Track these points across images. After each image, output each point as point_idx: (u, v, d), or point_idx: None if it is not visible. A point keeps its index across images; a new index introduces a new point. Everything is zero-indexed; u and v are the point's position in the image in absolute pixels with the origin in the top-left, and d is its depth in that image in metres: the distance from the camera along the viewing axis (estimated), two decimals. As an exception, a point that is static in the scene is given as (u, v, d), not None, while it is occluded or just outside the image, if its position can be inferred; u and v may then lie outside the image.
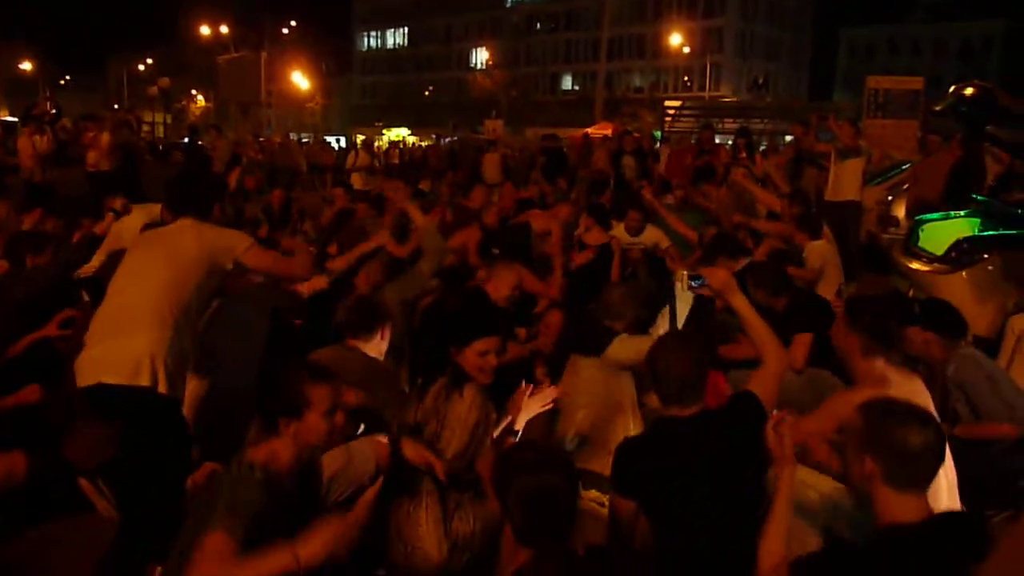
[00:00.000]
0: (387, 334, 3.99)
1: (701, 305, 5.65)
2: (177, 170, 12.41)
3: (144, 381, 3.05)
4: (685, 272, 3.33)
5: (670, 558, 2.74)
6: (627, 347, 4.30)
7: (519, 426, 3.46)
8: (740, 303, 3.07)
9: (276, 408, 2.57)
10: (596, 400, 4.39)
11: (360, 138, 25.31)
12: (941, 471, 2.93)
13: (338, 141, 43.34)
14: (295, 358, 3.12)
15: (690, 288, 3.27)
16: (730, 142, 13.34)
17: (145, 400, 3.07)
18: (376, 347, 3.92)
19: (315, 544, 2.25)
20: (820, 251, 6.31)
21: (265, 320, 4.54)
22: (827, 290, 6.02)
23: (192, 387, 4.21)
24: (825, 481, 3.27)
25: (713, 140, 12.59)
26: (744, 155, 10.79)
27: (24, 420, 4.01)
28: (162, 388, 3.09)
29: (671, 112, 24.55)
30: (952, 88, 9.00)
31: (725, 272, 3.18)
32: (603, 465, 3.99)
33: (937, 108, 9.68)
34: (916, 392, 3.20)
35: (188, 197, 3.55)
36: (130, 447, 3.26)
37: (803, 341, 4.62)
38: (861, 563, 2.16)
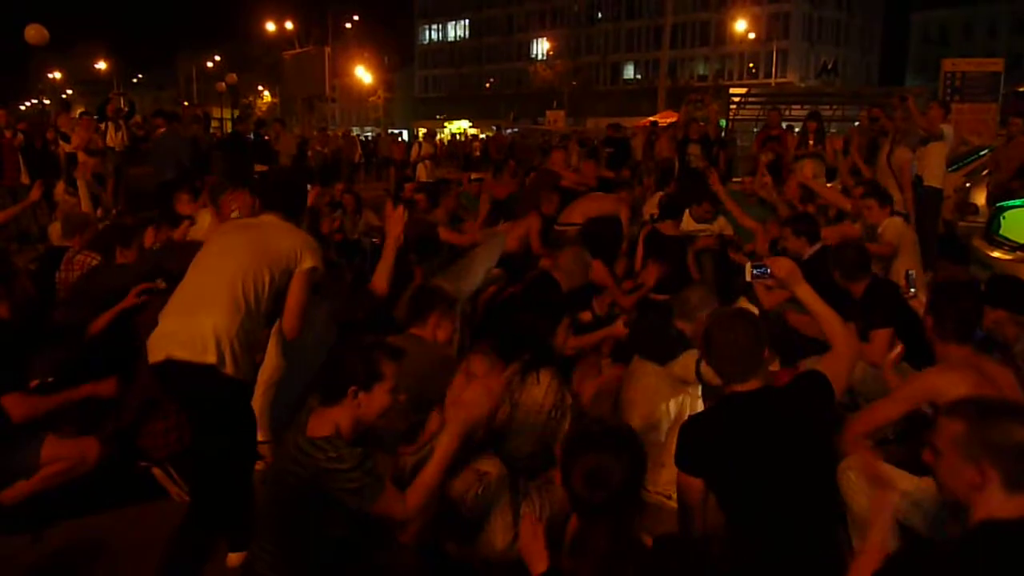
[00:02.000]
0: (441, 319, 3.91)
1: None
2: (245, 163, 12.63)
3: (211, 359, 3.08)
4: (748, 262, 3.24)
5: (740, 536, 2.66)
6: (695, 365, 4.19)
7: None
8: (805, 293, 2.96)
9: (350, 377, 2.66)
10: (654, 411, 4.23)
11: (422, 131, 25.43)
12: None
13: (400, 135, 43.72)
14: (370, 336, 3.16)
15: (753, 277, 3.17)
16: (796, 129, 12.94)
17: (212, 378, 3.10)
18: (431, 332, 3.88)
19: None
20: (897, 226, 6.01)
21: (334, 328, 4.54)
22: (903, 269, 5.73)
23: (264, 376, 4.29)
24: (905, 479, 3.16)
25: (779, 122, 12.27)
26: (813, 141, 10.49)
27: (100, 408, 4.11)
28: (229, 369, 3.12)
29: (736, 100, 24.06)
30: (1040, 67, 8.61)
31: (789, 261, 3.07)
32: (653, 479, 3.91)
33: (1022, 89, 9.26)
34: (1008, 382, 3.09)
35: (282, 196, 3.62)
36: (197, 426, 3.32)
37: (881, 336, 4.42)
38: (953, 558, 2.02)
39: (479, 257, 4.96)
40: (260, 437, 4.10)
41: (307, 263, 3.37)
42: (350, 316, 4.60)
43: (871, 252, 5.79)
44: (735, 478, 2.64)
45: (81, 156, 11.81)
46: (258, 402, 4.12)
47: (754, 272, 3.10)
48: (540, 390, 3.11)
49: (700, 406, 4.23)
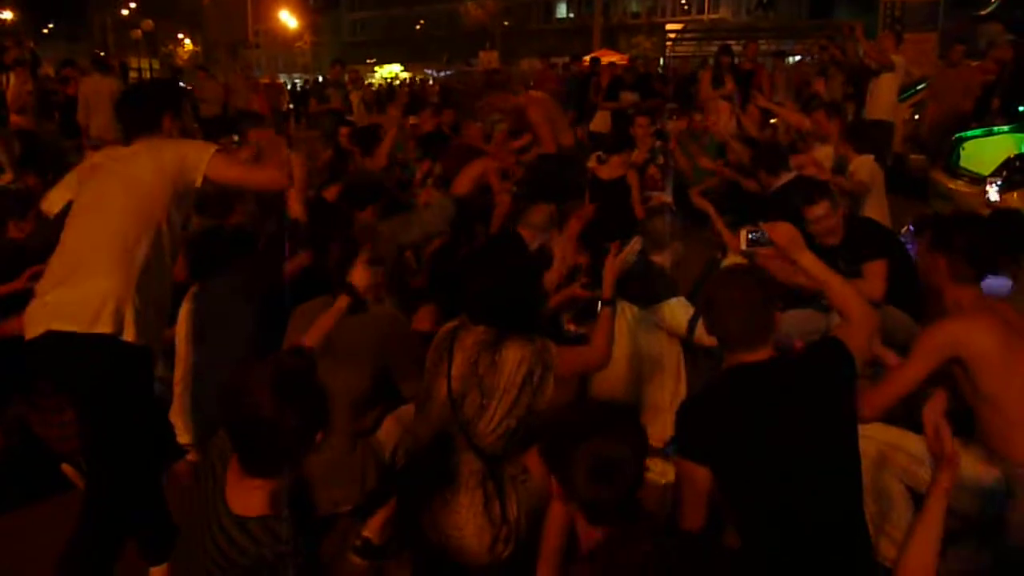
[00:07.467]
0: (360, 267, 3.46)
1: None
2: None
3: (105, 328, 2.60)
4: (743, 228, 2.82)
5: (753, 530, 2.31)
6: (686, 314, 3.88)
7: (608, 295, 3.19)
8: (810, 261, 2.59)
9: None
10: (634, 354, 3.96)
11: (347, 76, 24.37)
12: None
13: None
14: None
15: (747, 245, 2.76)
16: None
17: (105, 350, 2.62)
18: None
19: None
20: (869, 166, 5.78)
21: (250, 305, 3.91)
22: (873, 212, 5.53)
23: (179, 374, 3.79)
24: (913, 440, 2.91)
25: (756, 55, 11.95)
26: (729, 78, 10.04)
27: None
28: (129, 336, 2.64)
29: (672, 36, 23.74)
30: (999, -9, 8.47)
31: (790, 226, 2.63)
32: None
33: (982, 12, 9.10)
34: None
35: (131, 115, 3.06)
36: (90, 410, 2.81)
37: (877, 270, 4.24)
38: None
39: (425, 219, 4.56)
40: (184, 440, 3.67)
41: (205, 155, 2.89)
42: (263, 288, 4.02)
43: (844, 188, 5.56)
44: (747, 465, 2.27)
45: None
46: (178, 403, 3.67)
47: (750, 238, 2.71)
48: (509, 367, 2.72)
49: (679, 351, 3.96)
